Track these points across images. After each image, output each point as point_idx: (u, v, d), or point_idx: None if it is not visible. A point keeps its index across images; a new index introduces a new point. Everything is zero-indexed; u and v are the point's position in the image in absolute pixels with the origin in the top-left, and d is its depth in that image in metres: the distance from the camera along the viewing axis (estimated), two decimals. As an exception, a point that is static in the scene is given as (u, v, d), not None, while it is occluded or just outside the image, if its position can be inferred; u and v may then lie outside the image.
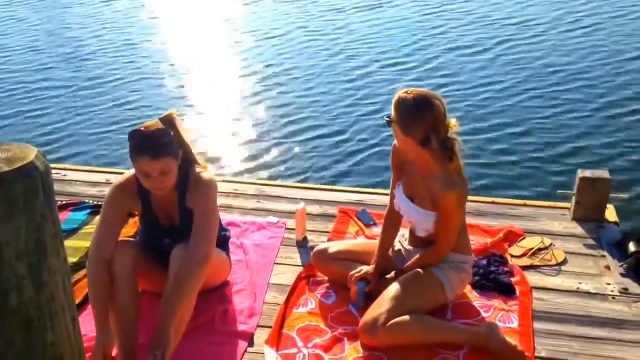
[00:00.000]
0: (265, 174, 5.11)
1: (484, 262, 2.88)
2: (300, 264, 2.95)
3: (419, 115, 2.32)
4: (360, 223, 3.26)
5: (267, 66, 7.43)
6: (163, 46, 8.36)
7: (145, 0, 10.63)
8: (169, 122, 2.37)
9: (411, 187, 2.52)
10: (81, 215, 3.37)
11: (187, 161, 2.43)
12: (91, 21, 9.59)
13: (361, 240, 3.06)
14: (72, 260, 2.97)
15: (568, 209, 3.36)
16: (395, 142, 2.50)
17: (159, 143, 2.24)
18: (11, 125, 6.15)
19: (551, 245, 3.05)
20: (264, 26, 8.95)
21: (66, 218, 3.34)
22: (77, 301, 2.67)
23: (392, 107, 2.38)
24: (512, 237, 3.11)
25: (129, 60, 7.81)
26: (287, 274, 2.87)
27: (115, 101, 6.62)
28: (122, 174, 2.50)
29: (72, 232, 3.22)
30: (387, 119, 2.41)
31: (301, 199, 3.46)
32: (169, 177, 2.30)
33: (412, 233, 2.64)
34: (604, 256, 2.97)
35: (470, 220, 3.20)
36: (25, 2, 10.75)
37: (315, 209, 3.42)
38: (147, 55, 7.98)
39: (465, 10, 9.15)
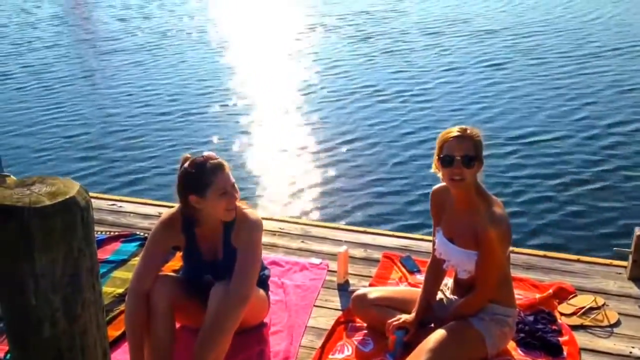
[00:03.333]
0: (311, 214, 5.12)
1: (531, 318, 2.77)
2: (340, 308, 2.92)
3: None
4: (403, 269, 3.21)
5: (324, 104, 7.51)
6: (228, 86, 8.55)
7: (216, 35, 10.99)
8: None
9: (451, 228, 2.48)
10: (131, 247, 3.47)
11: None
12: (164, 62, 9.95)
13: (403, 287, 3.01)
14: (119, 290, 3.06)
15: (624, 267, 3.21)
16: (434, 187, 2.48)
17: (218, 159, 2.35)
18: (74, 158, 6.40)
19: (604, 304, 2.90)
20: (331, 57, 9.05)
21: (117, 249, 3.45)
22: (120, 332, 2.73)
23: (471, 145, 2.31)
24: (563, 294, 2.99)
25: (188, 98, 8.02)
26: (325, 317, 2.85)
27: (171, 138, 6.81)
28: (173, 207, 2.56)
29: (121, 263, 3.32)
30: (471, 157, 2.31)
31: (346, 241, 3.45)
32: (237, 192, 2.36)
33: (456, 282, 2.57)
34: (661, 320, 2.82)
35: (519, 274, 3.11)
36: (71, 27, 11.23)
37: (359, 252, 3.39)
38: (212, 94, 8.14)
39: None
